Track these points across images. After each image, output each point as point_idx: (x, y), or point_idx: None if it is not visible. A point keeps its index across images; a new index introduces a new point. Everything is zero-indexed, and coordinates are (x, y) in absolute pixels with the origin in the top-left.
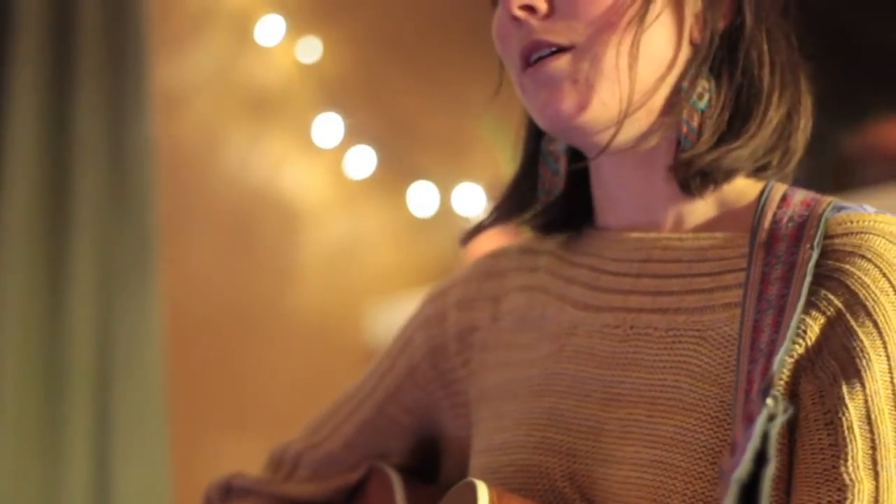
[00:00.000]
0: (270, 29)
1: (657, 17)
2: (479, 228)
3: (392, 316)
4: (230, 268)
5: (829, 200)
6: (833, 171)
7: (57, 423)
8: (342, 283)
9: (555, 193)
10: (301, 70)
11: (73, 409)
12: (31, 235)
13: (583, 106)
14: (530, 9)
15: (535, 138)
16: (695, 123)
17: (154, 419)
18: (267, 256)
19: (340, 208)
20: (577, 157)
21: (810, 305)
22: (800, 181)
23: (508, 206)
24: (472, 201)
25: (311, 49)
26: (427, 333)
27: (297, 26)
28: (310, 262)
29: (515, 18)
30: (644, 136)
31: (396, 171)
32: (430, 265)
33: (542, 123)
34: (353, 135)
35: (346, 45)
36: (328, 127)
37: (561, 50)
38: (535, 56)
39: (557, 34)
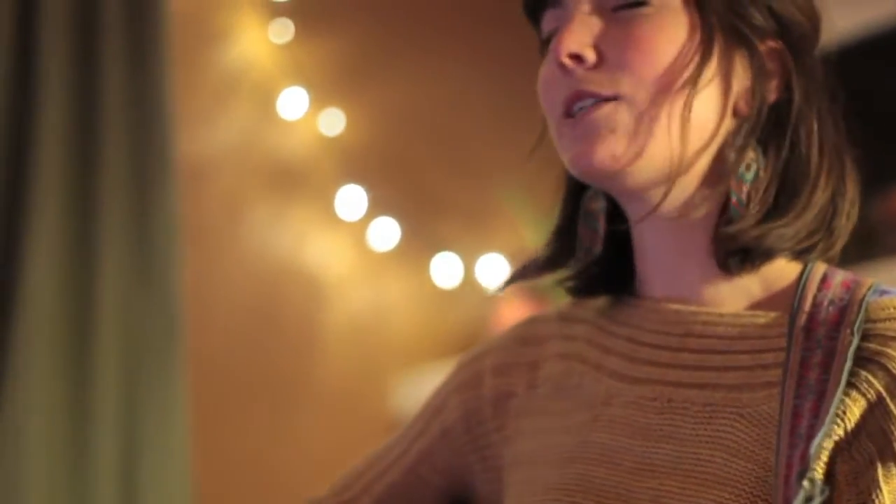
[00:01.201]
0: (293, 101)
1: (708, 82)
2: (511, 280)
3: (416, 387)
4: (255, 340)
5: (869, 283)
6: (858, 238)
7: (86, 498)
8: (366, 355)
9: (594, 254)
10: (324, 142)
11: (99, 484)
12: (56, 308)
13: (617, 158)
14: (578, 58)
15: (574, 196)
16: (743, 195)
17: (180, 491)
18: (291, 328)
19: (364, 280)
20: (616, 220)
21: (850, 387)
22: None
23: (546, 262)
24: (496, 272)
25: (334, 121)
26: (462, 397)
27: (320, 98)
28: (334, 334)
29: (563, 67)
30: (690, 205)
31: (420, 242)
32: (455, 336)
33: (574, 170)
34: (377, 207)
35: (368, 118)
36: (351, 199)
37: (604, 100)
38: (577, 106)
39: (602, 85)
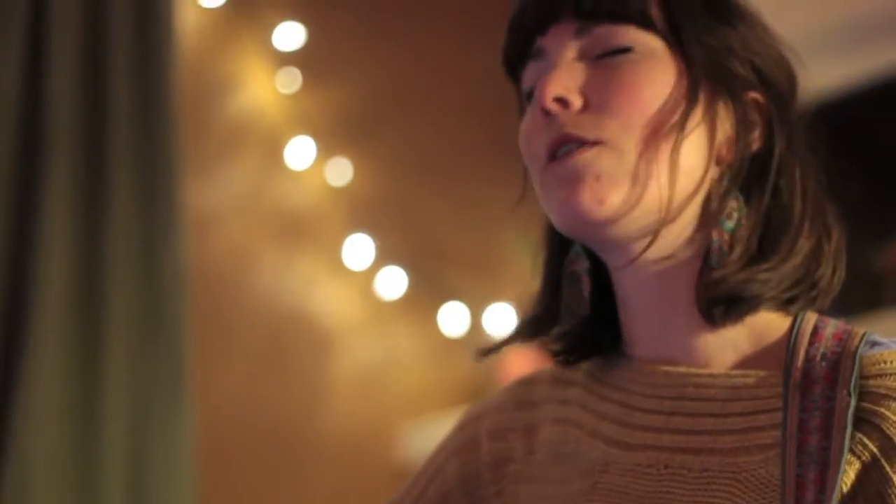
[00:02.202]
0: (300, 151)
1: (694, 128)
2: (498, 346)
3: (424, 436)
4: (262, 389)
5: (861, 334)
6: (864, 288)
7: None
8: (374, 404)
9: (580, 315)
10: (331, 192)
11: None
12: (63, 358)
13: (601, 202)
14: (563, 102)
15: (557, 257)
16: (724, 243)
17: None
18: (299, 378)
19: (372, 329)
20: (599, 280)
21: None
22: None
23: (531, 328)
24: (504, 321)
25: (341, 171)
26: (460, 461)
27: (327, 148)
28: (342, 383)
29: (547, 113)
30: (673, 253)
31: (427, 291)
32: (463, 385)
33: (558, 222)
34: (384, 256)
35: (375, 167)
36: (359, 248)
37: (589, 145)
38: (562, 151)
39: (587, 129)
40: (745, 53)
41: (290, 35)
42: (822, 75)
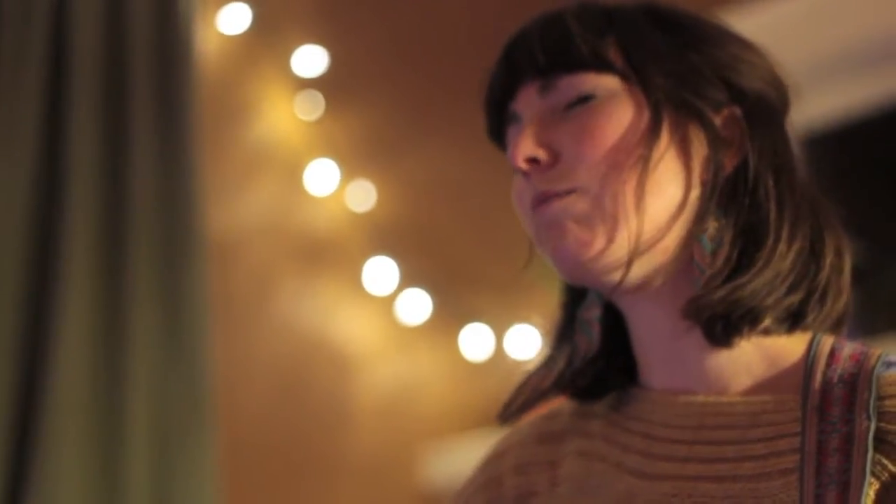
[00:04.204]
0: (323, 175)
1: (661, 157)
2: (521, 409)
3: (447, 459)
4: (285, 414)
5: (877, 354)
6: (886, 306)
7: None
8: (397, 428)
9: (590, 357)
10: (353, 214)
11: None
12: (85, 385)
13: (586, 243)
14: (535, 161)
15: (570, 307)
16: (705, 263)
17: None
18: (321, 402)
19: (394, 353)
20: (609, 322)
21: None
22: (851, 321)
23: (547, 381)
24: (527, 344)
25: (362, 193)
26: (485, 497)
27: (350, 171)
28: (364, 408)
29: (525, 173)
30: (658, 276)
31: (450, 314)
32: (485, 409)
33: (559, 271)
34: (407, 279)
35: (397, 190)
36: (381, 272)
37: (566, 192)
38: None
39: (560, 182)
40: (712, 72)
41: (311, 59)
42: (834, 101)
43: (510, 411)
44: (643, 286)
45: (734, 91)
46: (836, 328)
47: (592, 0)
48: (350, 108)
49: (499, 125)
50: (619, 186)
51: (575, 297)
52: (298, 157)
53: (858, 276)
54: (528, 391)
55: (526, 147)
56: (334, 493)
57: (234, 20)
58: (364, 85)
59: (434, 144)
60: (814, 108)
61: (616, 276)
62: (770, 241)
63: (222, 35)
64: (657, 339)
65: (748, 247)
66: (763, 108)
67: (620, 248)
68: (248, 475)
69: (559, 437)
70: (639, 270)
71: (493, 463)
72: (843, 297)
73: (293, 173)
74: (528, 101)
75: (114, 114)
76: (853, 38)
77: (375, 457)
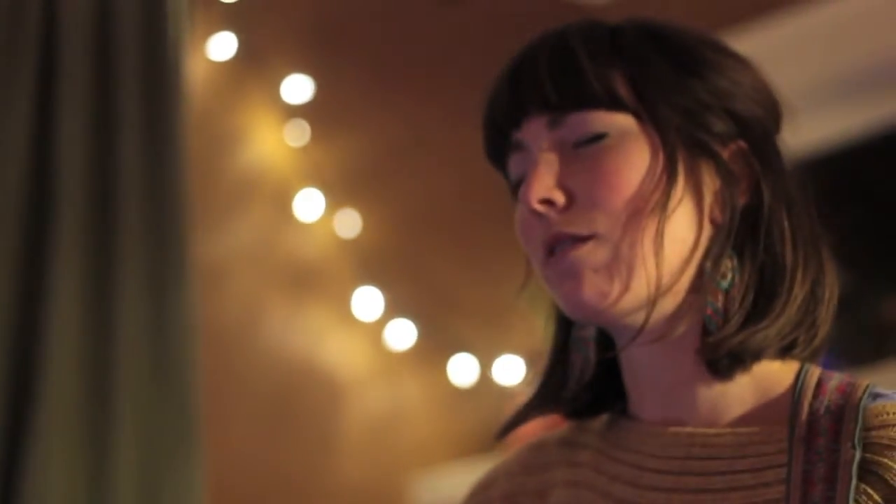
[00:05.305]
0: (309, 203)
1: (680, 200)
2: (515, 423)
3: (435, 487)
4: (272, 440)
5: (864, 386)
6: (874, 337)
7: None
8: (384, 456)
9: (585, 379)
10: (340, 243)
11: None
12: (72, 411)
13: (605, 294)
14: (550, 202)
15: (565, 326)
16: (719, 304)
17: None
18: (308, 428)
19: (381, 380)
20: (606, 342)
21: None
22: (837, 349)
23: (542, 397)
24: (513, 372)
25: (349, 222)
26: None
27: (336, 200)
28: (351, 435)
29: (536, 213)
30: (672, 320)
31: (437, 343)
32: (472, 436)
33: (567, 312)
34: (393, 308)
35: (384, 219)
36: (368, 300)
37: (582, 239)
38: (559, 247)
39: (578, 226)
40: (718, 103)
41: (298, 88)
42: (824, 127)
43: (507, 427)
44: (660, 337)
45: (737, 121)
46: (815, 355)
47: (595, 20)
48: (336, 137)
49: (498, 149)
50: (637, 235)
51: (567, 319)
52: (286, 185)
53: (844, 304)
54: (526, 408)
55: (541, 189)
56: None
57: (222, 48)
58: (350, 114)
59: (421, 173)
60: (798, 132)
61: (633, 321)
62: (787, 285)
63: (211, 62)
64: (654, 374)
65: (764, 290)
66: (765, 138)
67: (635, 295)
68: (235, 499)
69: (547, 467)
70: (655, 316)
71: (480, 493)
72: (827, 326)
73: (281, 200)
74: (535, 133)
75: (102, 140)
76: (842, 63)
77: (362, 483)
